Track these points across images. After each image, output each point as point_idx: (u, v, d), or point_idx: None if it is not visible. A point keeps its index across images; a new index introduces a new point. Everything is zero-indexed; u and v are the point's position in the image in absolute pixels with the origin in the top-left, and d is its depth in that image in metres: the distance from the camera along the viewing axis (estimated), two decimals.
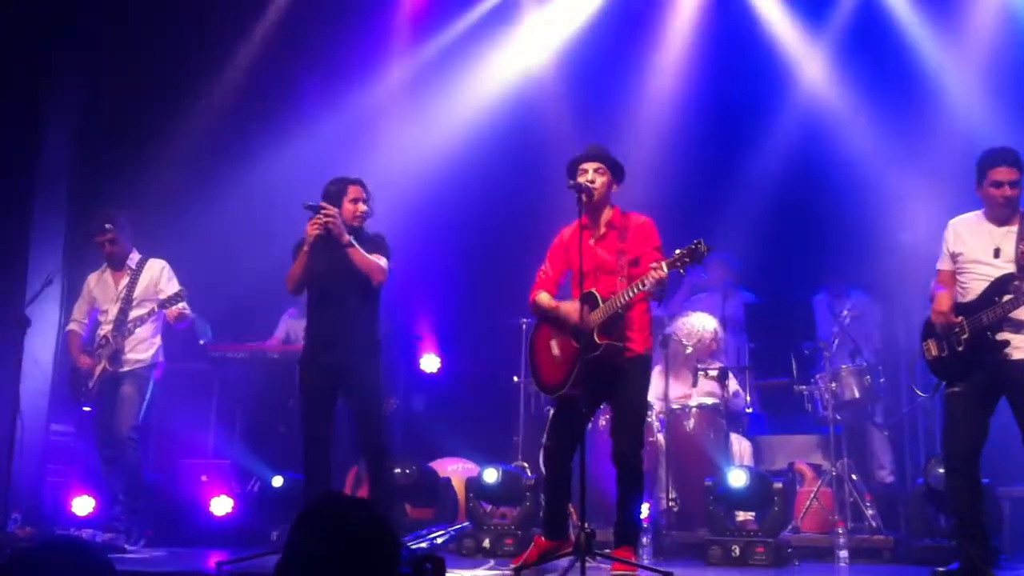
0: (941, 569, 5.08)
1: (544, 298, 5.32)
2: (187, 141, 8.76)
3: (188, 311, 6.38)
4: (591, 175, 5.20)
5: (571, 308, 5.11)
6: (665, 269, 4.82)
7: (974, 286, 5.12)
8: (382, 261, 5.76)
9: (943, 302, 5.15)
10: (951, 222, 5.35)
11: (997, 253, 5.09)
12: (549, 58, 9.17)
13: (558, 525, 5.26)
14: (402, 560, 2.12)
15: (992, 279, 5.04)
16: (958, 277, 5.24)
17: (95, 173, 8.19)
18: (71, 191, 8.12)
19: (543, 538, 5.26)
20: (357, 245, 5.61)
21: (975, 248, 5.17)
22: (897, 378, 8.10)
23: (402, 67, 9.26)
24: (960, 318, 5.08)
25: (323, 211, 5.57)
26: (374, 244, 5.80)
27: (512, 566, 5.15)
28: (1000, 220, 5.14)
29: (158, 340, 6.58)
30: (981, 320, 4.99)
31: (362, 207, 5.76)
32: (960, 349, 5.07)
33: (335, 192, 5.77)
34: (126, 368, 6.40)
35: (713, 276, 8.16)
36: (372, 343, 5.71)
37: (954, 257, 5.26)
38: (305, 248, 5.64)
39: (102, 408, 6.42)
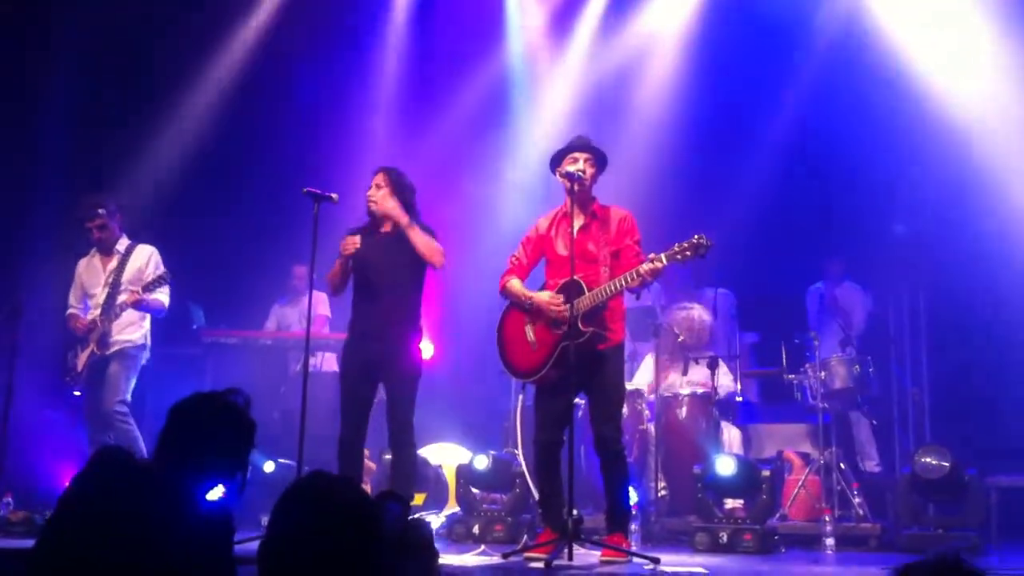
0: None
1: (516, 285, 5.34)
2: (182, 129, 8.78)
3: (157, 297, 6.40)
4: (582, 164, 5.22)
5: (544, 298, 5.17)
6: (664, 261, 4.84)
7: None
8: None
9: None
10: None
11: None
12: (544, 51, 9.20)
13: (559, 514, 5.02)
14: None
15: None
16: None
17: (90, 159, 8.21)
18: (66, 177, 8.13)
19: (550, 530, 5.12)
20: (416, 226, 5.63)
21: None
22: (888, 367, 8.15)
23: (395, 57, 9.28)
24: None
25: (370, 199, 5.66)
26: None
27: (524, 555, 5.01)
28: None
29: (147, 324, 6.58)
30: None
31: (377, 192, 5.71)
32: None
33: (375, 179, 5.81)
34: (114, 348, 6.40)
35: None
36: (413, 332, 5.70)
37: None
38: (340, 260, 5.67)
39: (91, 390, 6.42)
